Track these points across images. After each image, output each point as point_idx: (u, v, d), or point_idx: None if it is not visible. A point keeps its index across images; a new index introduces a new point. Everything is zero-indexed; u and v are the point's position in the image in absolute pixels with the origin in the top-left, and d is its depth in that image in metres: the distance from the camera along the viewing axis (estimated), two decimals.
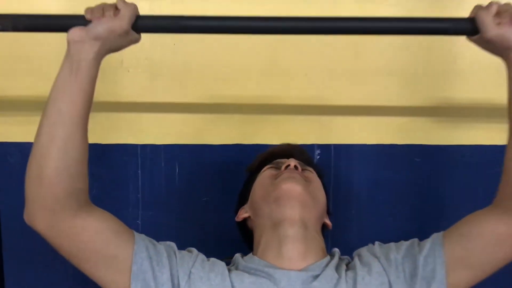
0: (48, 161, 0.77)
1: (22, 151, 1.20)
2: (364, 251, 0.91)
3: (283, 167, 0.96)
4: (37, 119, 0.82)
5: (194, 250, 0.90)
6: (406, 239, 0.92)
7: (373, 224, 1.30)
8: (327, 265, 0.86)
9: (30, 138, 0.83)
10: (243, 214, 0.99)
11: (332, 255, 0.91)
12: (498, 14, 0.79)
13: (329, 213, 1.02)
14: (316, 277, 0.83)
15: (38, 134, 0.80)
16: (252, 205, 0.97)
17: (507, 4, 0.81)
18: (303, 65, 1.26)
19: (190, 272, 0.83)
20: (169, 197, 1.29)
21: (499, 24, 0.78)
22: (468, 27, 0.83)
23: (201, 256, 0.89)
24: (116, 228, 0.85)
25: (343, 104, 1.28)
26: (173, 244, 0.89)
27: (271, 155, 1.06)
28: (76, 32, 0.79)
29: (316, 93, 1.27)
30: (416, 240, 0.89)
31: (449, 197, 1.30)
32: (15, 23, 0.86)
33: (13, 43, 1.20)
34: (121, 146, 1.26)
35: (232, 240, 1.07)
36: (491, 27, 0.79)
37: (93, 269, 0.83)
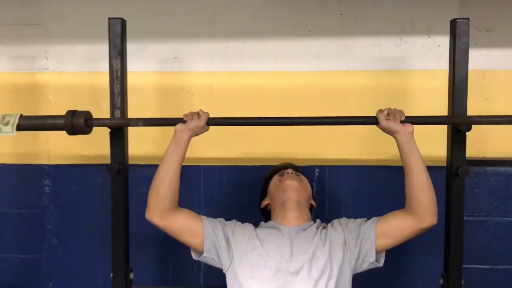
0: (162, 188, 1.46)
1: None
2: (335, 221, 1.57)
3: (285, 173, 1.65)
4: None
5: (235, 220, 1.59)
6: None
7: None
8: (311, 225, 1.54)
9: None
10: (265, 202, 1.68)
11: (315, 222, 1.58)
12: (388, 114, 1.46)
13: (314, 199, 1.69)
14: (304, 230, 1.51)
15: (157, 173, 1.48)
16: (270, 195, 1.65)
17: (394, 109, 1.47)
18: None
19: (233, 231, 1.52)
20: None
21: (387, 120, 1.46)
22: (373, 121, 1.49)
23: (239, 223, 1.58)
24: (191, 216, 1.54)
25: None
26: (222, 219, 1.57)
27: (277, 169, 1.75)
28: (179, 126, 1.49)
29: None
30: (364, 219, 1.54)
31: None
32: (142, 122, 1.58)
33: None
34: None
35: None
36: (382, 121, 1.46)
37: (185, 238, 1.51)
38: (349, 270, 1.46)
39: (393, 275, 1.99)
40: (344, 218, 1.59)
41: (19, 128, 1.48)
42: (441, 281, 1.63)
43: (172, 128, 1.51)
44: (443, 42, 1.86)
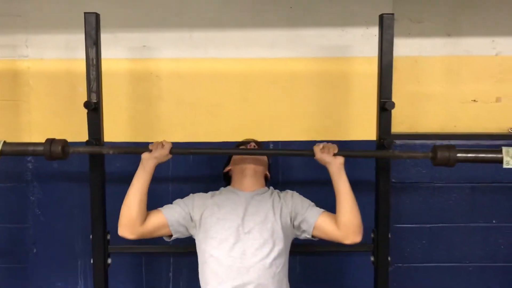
0: (134, 208, 1.66)
1: None
2: (289, 192, 1.84)
3: (248, 146, 1.94)
4: None
5: (191, 194, 1.82)
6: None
7: (307, 190, 2.25)
8: (265, 192, 1.82)
9: None
10: (228, 168, 1.95)
11: (269, 188, 1.87)
12: (323, 148, 1.71)
13: (269, 171, 1.97)
14: (258, 195, 1.80)
15: (127, 196, 1.68)
16: (233, 162, 1.91)
17: (329, 144, 1.73)
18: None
19: (193, 205, 1.75)
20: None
21: (322, 152, 1.71)
22: (310, 153, 1.75)
23: (198, 195, 1.83)
24: (154, 216, 1.71)
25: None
26: (179, 200, 1.79)
27: (242, 142, 2.04)
28: (145, 155, 1.71)
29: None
30: (312, 204, 1.79)
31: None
32: (113, 150, 1.84)
33: None
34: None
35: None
36: (317, 154, 1.72)
37: (156, 235, 1.73)
38: (290, 235, 1.76)
39: None
40: (296, 193, 1.85)
41: (2, 153, 1.70)
42: (372, 235, 1.95)
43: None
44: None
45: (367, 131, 2.18)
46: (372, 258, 1.95)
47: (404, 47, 2.32)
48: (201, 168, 2.27)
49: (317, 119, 2.27)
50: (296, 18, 2.22)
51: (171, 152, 1.74)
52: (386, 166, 1.89)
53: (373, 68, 1.94)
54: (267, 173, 1.97)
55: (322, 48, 2.23)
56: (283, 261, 1.70)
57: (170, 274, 2.34)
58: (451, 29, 2.33)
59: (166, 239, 1.79)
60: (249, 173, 1.84)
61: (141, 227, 1.69)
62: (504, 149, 1.63)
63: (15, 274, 2.33)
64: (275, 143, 2.27)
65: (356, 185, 2.09)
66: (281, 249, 1.68)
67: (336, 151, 1.70)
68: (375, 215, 1.93)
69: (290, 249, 1.78)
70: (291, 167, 2.29)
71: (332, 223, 1.70)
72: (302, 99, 2.25)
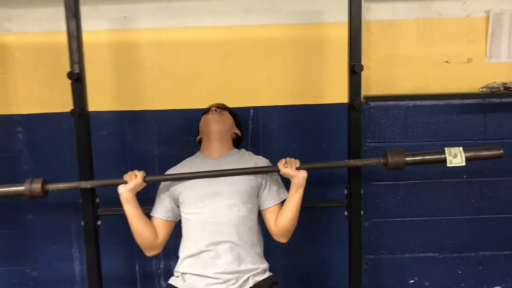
0: (143, 234, 1.79)
1: None
2: (266, 162, 1.94)
3: (210, 111, 1.98)
4: None
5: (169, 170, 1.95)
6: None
7: (282, 148, 2.38)
8: (233, 154, 1.93)
9: None
10: (198, 137, 2.04)
11: (240, 150, 1.98)
12: (286, 163, 1.77)
13: (238, 128, 2.06)
14: (226, 157, 1.91)
15: (132, 229, 1.80)
16: (200, 130, 2.00)
17: (291, 159, 1.79)
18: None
19: (170, 186, 1.86)
20: None
21: (285, 167, 1.76)
22: (275, 169, 1.80)
23: (172, 168, 1.94)
24: (158, 225, 1.85)
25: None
26: (160, 189, 1.91)
27: (206, 109, 2.05)
28: (121, 188, 1.75)
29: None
30: (282, 186, 1.90)
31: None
32: (90, 184, 1.94)
33: None
34: None
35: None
36: (281, 168, 1.76)
37: (171, 228, 1.89)
38: (256, 200, 1.87)
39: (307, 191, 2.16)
40: (268, 162, 1.95)
41: None
42: (345, 191, 2.06)
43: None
44: None
45: (341, 94, 2.26)
46: (346, 213, 2.07)
47: (379, 11, 2.38)
48: (183, 133, 2.37)
49: (294, 84, 2.36)
50: None
51: (145, 180, 1.80)
52: (358, 126, 1.98)
53: (346, 33, 2.01)
54: (236, 131, 2.05)
55: (296, 14, 2.30)
56: (253, 217, 1.83)
57: None
58: None
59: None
60: (214, 137, 1.93)
61: (157, 239, 1.84)
62: (446, 149, 1.76)
63: (12, 239, 2.46)
64: (255, 108, 2.37)
65: (329, 150, 2.23)
66: (250, 208, 1.81)
67: (298, 165, 1.79)
68: (348, 172, 2.04)
69: None
70: (270, 130, 2.40)
71: (274, 218, 1.85)
72: (279, 65, 2.33)
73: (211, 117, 1.95)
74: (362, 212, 2.02)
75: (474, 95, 2.38)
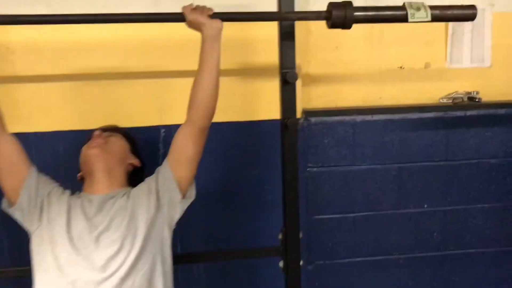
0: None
1: None
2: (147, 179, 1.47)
3: (92, 138, 1.49)
4: None
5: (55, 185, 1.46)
6: None
7: (202, 177, 1.86)
8: (122, 192, 1.43)
9: None
10: (79, 175, 1.53)
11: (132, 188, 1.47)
12: (194, 9, 1.35)
13: (139, 157, 1.57)
14: (111, 198, 1.40)
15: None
16: (81, 165, 1.50)
17: (203, 6, 1.37)
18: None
19: (50, 191, 1.41)
20: None
21: (194, 12, 1.34)
22: (179, 17, 1.36)
23: (60, 188, 1.45)
24: (22, 152, 1.38)
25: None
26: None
27: (88, 137, 1.53)
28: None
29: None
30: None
31: None
32: None
33: None
34: None
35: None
36: (188, 14, 1.34)
37: (2, 174, 1.36)
38: (162, 221, 1.40)
39: (234, 236, 1.93)
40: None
41: None
42: (280, 236, 1.60)
43: None
44: None
45: (276, 107, 1.81)
46: (280, 264, 1.60)
47: (321, 5, 1.93)
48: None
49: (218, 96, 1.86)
50: None
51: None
52: (293, 150, 1.53)
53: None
54: (133, 161, 1.55)
55: (218, 7, 1.81)
56: (148, 266, 1.35)
57: None
58: None
59: (3, 205, 1.43)
60: (97, 176, 1.44)
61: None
62: (406, 2, 1.41)
63: None
64: (167, 127, 1.85)
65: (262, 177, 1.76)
66: (138, 254, 1.33)
67: (211, 13, 1.37)
68: (283, 209, 1.59)
69: (193, 257, 1.71)
70: None
71: (177, 135, 1.43)
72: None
73: (90, 152, 1.45)
74: (301, 262, 1.58)
75: (434, 107, 2.00)
